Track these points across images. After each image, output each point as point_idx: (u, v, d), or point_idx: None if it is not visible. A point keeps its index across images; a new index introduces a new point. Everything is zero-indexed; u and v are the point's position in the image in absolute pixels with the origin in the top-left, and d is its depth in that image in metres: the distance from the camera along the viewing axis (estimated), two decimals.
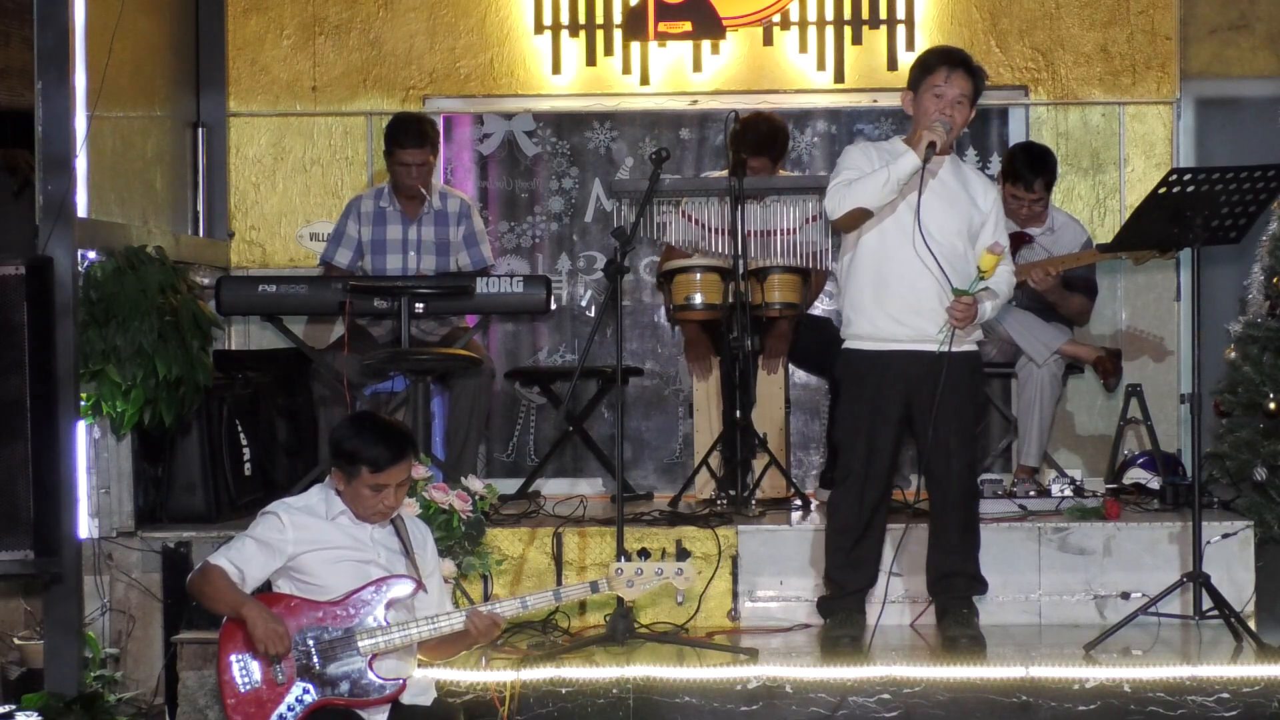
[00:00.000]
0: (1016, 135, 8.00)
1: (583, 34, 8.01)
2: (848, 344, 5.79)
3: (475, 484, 5.92)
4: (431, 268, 7.19)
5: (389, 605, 4.89)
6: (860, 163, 5.64)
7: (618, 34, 7.99)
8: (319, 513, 4.97)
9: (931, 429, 5.59)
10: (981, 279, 5.52)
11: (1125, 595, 6.18)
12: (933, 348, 5.60)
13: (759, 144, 7.04)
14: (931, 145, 5.46)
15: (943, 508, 5.75)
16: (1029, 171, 7.02)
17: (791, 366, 7.34)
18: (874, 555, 5.84)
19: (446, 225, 7.25)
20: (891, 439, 5.75)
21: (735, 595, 6.22)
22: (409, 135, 7.08)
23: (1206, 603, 5.85)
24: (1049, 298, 6.95)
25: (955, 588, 5.80)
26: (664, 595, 6.03)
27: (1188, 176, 6.03)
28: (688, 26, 7.91)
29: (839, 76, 7.98)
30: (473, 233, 7.25)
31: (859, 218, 5.58)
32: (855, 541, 5.78)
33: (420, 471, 5.67)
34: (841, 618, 5.79)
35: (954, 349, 5.60)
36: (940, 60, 5.62)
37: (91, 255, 6.15)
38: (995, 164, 7.98)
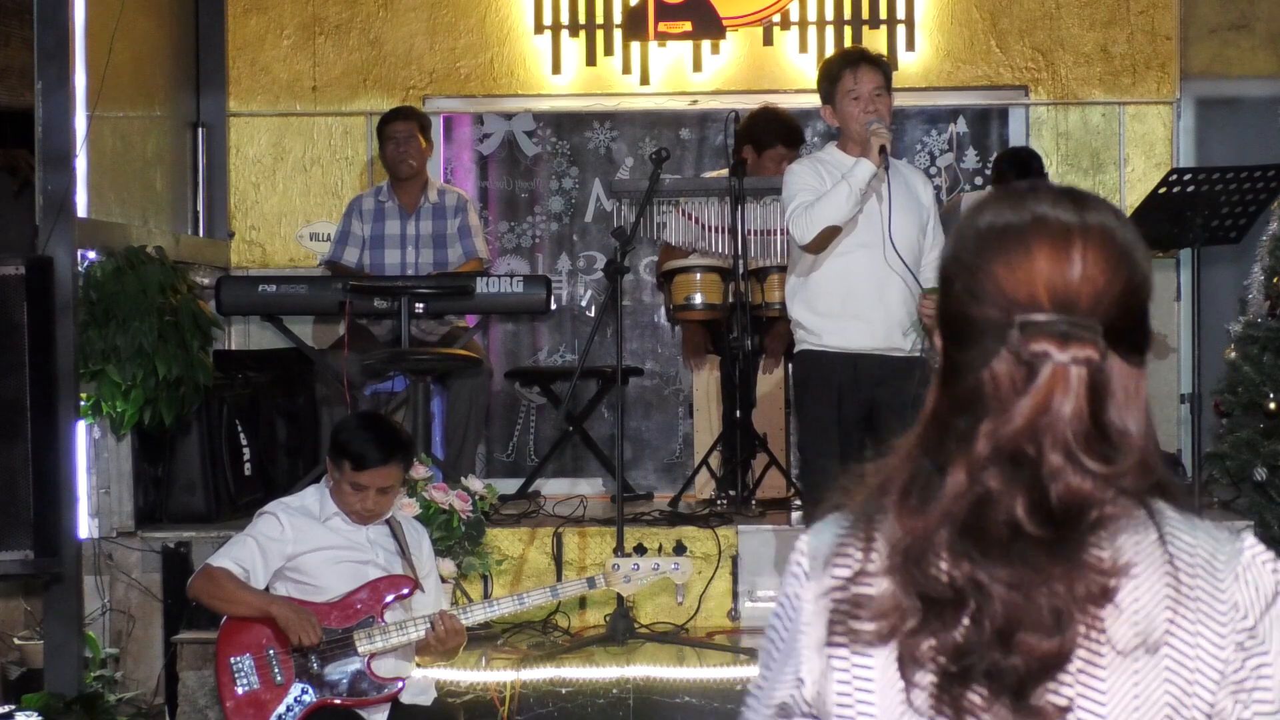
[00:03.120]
0: (1016, 135, 8.00)
1: (583, 34, 8.01)
2: (810, 347, 5.74)
3: (475, 484, 5.93)
4: (430, 262, 7.21)
5: (386, 606, 4.89)
6: (810, 181, 5.60)
7: (618, 34, 7.99)
8: (314, 514, 4.96)
9: (905, 430, 5.58)
10: None
11: None
12: (898, 353, 5.62)
13: (787, 132, 7.07)
14: (883, 149, 5.45)
15: None
16: (1017, 179, 7.00)
17: (791, 366, 7.33)
18: None
19: (444, 219, 7.27)
20: (858, 441, 5.79)
21: (735, 595, 6.22)
22: (396, 113, 7.26)
23: None
24: None
25: None
26: (664, 595, 6.04)
27: (1188, 176, 6.03)
28: (688, 26, 7.91)
29: None
30: (467, 225, 7.27)
31: (828, 238, 5.56)
32: None
33: (420, 471, 5.67)
34: None
35: (900, 354, 5.61)
36: (841, 65, 5.61)
37: (91, 255, 6.15)
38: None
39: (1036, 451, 1.55)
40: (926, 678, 1.59)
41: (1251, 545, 1.65)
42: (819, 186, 5.55)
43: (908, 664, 1.59)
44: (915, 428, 1.67)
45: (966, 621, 1.55)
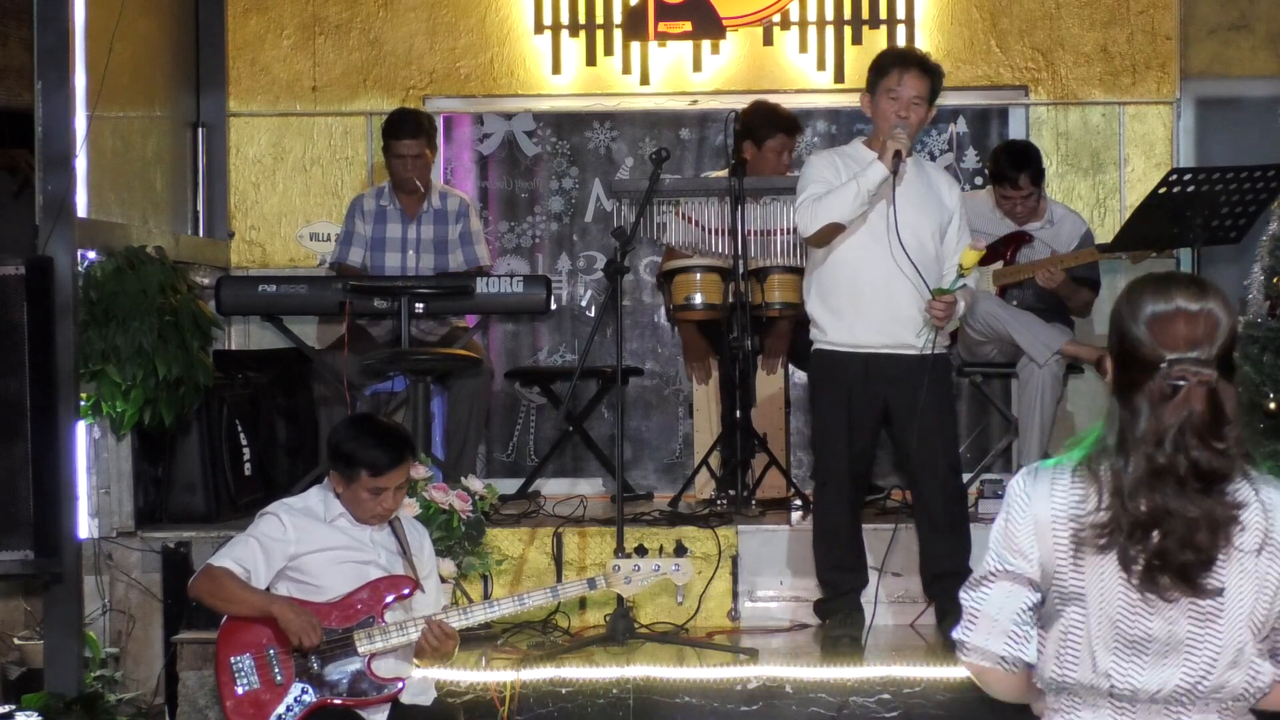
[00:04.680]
0: (1016, 135, 7.98)
1: (583, 34, 8.00)
2: (821, 346, 5.77)
3: (475, 484, 5.93)
4: (430, 266, 7.20)
5: (387, 606, 4.89)
6: (825, 174, 5.61)
7: (618, 34, 7.99)
8: (318, 514, 4.96)
9: (916, 431, 5.57)
10: (961, 276, 5.51)
11: None
12: (910, 351, 5.61)
13: (785, 121, 7.10)
14: (898, 154, 5.44)
15: (931, 509, 5.73)
16: (1012, 169, 6.99)
17: (791, 366, 7.34)
18: (862, 555, 5.85)
19: (445, 224, 7.27)
20: (870, 440, 5.77)
21: (735, 595, 6.22)
22: (404, 127, 7.13)
23: None
24: (1059, 293, 6.93)
25: (951, 589, 5.78)
26: (664, 595, 6.04)
27: (1188, 176, 6.03)
28: (688, 26, 7.91)
29: (839, 76, 7.98)
30: (468, 231, 7.26)
31: (831, 233, 5.57)
32: (844, 543, 5.79)
33: (420, 471, 5.67)
34: (841, 618, 5.79)
35: (911, 353, 5.60)
36: (893, 62, 5.60)
37: (91, 255, 6.15)
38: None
39: (1182, 435, 2.69)
40: (1137, 569, 2.72)
41: None
42: (832, 180, 5.55)
43: (1125, 561, 2.73)
44: (1104, 419, 2.81)
45: (1158, 535, 2.69)
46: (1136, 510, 2.70)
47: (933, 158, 8.14)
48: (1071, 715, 2.83)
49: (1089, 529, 2.74)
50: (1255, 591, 2.75)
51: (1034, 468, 2.86)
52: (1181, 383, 2.70)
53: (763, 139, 7.05)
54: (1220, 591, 2.71)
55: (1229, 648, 2.75)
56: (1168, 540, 2.69)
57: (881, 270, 5.56)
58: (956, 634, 2.91)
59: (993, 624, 2.84)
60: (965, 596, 2.90)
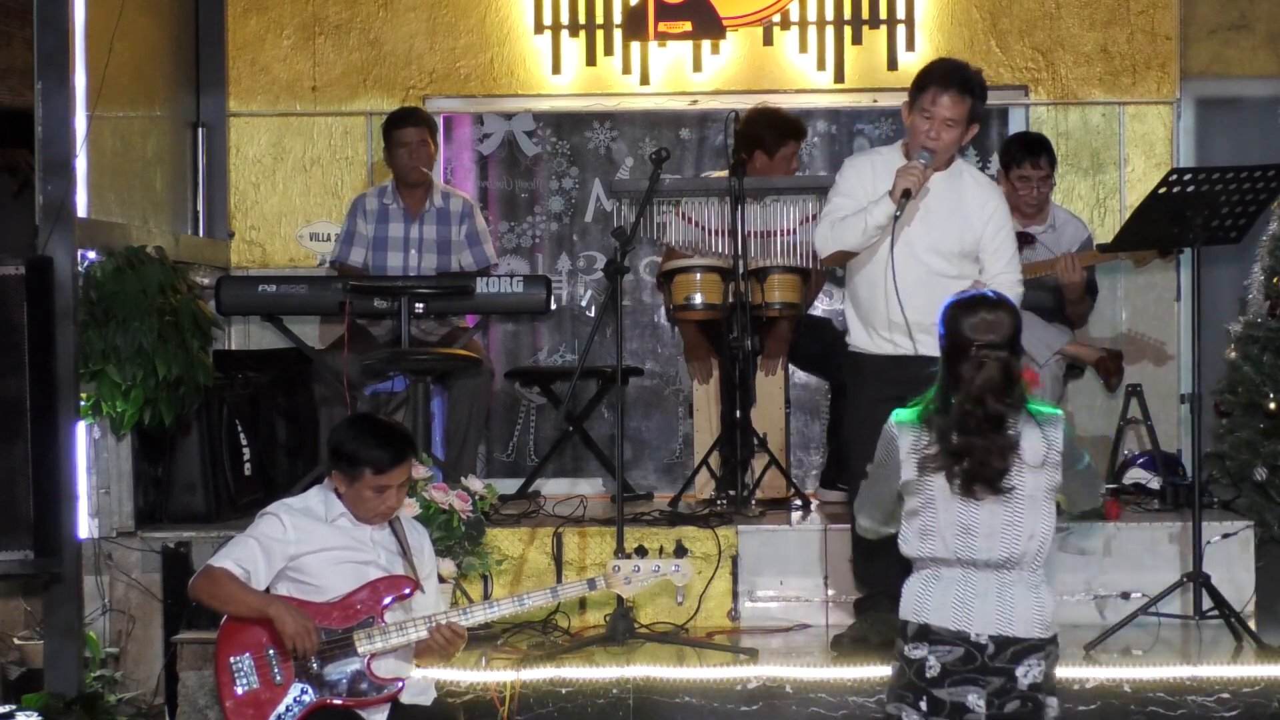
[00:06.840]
0: None
1: (583, 34, 8.00)
2: (849, 347, 5.80)
3: (475, 484, 5.93)
4: (432, 266, 7.20)
5: (386, 606, 4.89)
6: (852, 186, 5.60)
7: (618, 34, 7.99)
8: (319, 514, 4.96)
9: None
10: None
11: (1125, 595, 6.19)
12: (929, 353, 5.55)
13: (794, 127, 7.11)
14: (906, 193, 5.39)
15: None
16: (1029, 152, 7.00)
17: (791, 366, 7.34)
18: (887, 559, 5.78)
19: (448, 224, 7.27)
20: None
21: (735, 595, 6.22)
22: (406, 117, 7.19)
23: (1206, 603, 5.85)
24: (1071, 294, 6.89)
25: None
26: (664, 595, 6.04)
27: (1188, 176, 6.03)
28: (688, 26, 7.91)
29: (839, 76, 7.98)
30: (475, 231, 7.27)
31: (842, 257, 5.59)
32: (866, 545, 5.72)
33: (420, 471, 5.67)
34: (859, 619, 5.79)
35: (921, 355, 5.57)
36: (932, 80, 5.51)
37: (91, 255, 6.16)
38: (995, 165, 7.96)
39: (982, 394, 4.17)
40: (957, 482, 4.19)
41: (1065, 420, 4.32)
42: (858, 193, 5.53)
43: (950, 477, 4.19)
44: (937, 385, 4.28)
45: (968, 461, 4.17)
46: (952, 444, 4.17)
47: None
48: (935, 573, 4.27)
49: (926, 459, 4.20)
50: (1040, 492, 4.23)
51: (898, 417, 4.29)
52: (985, 358, 4.15)
53: (776, 148, 7.06)
54: (1012, 489, 4.19)
55: (1025, 530, 4.22)
56: (973, 462, 4.16)
57: (885, 290, 5.53)
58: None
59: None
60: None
